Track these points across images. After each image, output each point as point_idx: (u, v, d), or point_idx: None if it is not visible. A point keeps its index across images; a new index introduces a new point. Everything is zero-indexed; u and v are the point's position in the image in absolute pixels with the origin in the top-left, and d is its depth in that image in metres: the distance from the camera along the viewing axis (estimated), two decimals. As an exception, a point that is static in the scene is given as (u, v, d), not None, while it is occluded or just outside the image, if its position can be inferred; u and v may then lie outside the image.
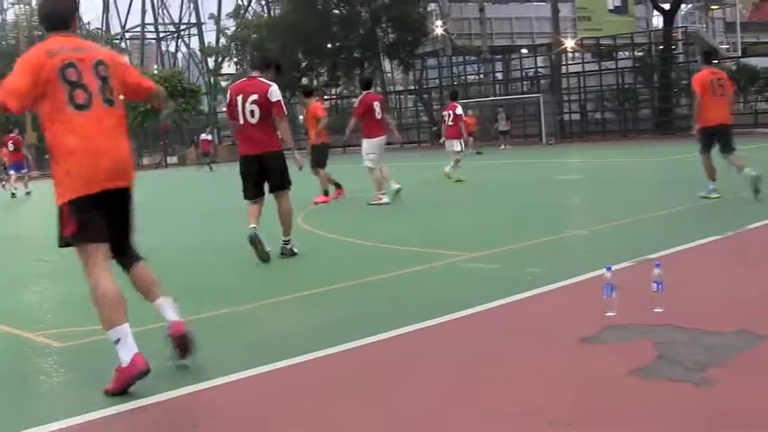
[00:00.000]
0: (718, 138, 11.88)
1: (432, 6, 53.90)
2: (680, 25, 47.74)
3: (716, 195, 11.64)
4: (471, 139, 34.12)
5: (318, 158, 15.57)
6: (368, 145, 14.46)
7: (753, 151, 24.03)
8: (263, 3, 66.22)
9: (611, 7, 52.51)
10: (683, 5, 48.94)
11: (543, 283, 6.70)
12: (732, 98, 12.42)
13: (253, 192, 9.01)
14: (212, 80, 70.78)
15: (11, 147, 26.94)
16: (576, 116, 46.06)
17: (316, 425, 3.93)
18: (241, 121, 8.84)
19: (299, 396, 4.35)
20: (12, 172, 27.07)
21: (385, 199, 14.10)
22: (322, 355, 5.00)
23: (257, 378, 4.68)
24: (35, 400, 4.59)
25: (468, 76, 50.12)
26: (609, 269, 5.45)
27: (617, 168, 21.05)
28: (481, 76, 50.72)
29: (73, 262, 4.89)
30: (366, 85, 15.31)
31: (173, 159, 52.45)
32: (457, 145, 18.52)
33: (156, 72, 64.94)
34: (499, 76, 53.29)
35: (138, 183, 4.95)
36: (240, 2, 70.77)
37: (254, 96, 8.76)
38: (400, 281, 7.43)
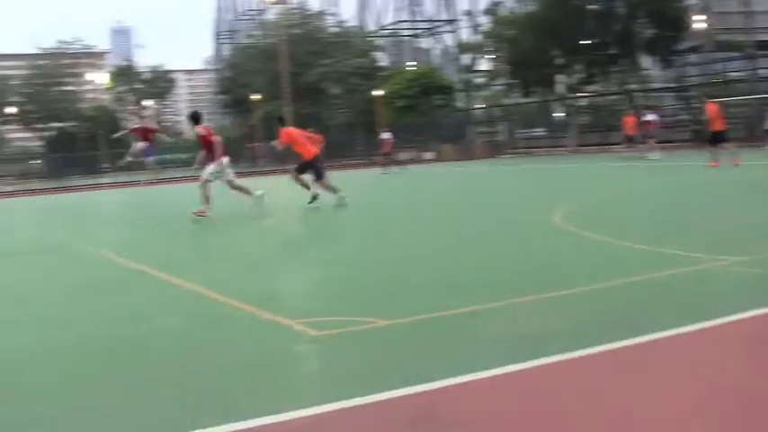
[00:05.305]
0: None
1: (692, 0, 51.73)
2: None
3: None
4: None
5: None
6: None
7: None
8: (518, -2, 65.84)
9: None
10: None
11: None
12: None
13: None
14: (466, 77, 71.05)
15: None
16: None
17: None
18: None
19: (554, 394, 4.32)
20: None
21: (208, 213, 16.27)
22: (567, 359, 4.91)
23: (513, 375, 4.67)
24: (280, 390, 4.78)
25: (731, 73, 47.68)
26: None
27: None
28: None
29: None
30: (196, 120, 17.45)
31: (429, 155, 52.94)
32: None
33: (411, 68, 66.30)
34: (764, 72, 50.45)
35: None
36: (495, -2, 70.77)
37: None
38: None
